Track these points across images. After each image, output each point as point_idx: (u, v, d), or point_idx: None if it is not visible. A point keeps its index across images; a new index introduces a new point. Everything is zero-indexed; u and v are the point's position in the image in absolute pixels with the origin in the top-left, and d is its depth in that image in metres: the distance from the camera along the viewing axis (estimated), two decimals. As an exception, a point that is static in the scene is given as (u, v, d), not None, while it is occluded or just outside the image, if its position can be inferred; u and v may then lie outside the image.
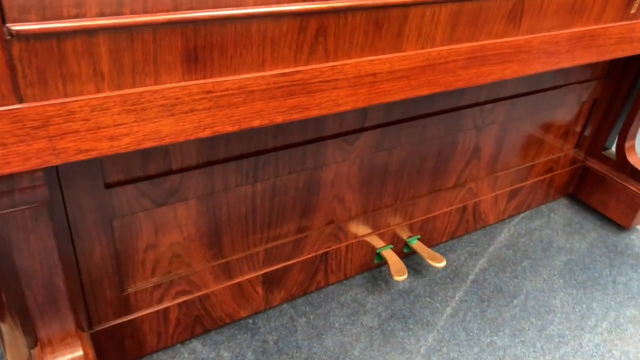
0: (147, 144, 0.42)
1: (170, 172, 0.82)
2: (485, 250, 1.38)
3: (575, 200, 1.61)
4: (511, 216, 1.50)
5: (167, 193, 0.83)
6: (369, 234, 1.18)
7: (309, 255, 1.10)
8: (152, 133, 0.42)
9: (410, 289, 1.24)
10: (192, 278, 0.96)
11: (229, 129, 0.45)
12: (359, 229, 1.15)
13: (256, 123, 0.47)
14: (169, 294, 0.95)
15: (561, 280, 1.31)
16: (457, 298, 1.23)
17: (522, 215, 1.52)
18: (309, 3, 0.44)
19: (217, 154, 0.85)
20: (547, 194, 1.53)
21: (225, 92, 0.44)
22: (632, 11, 0.71)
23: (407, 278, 1.25)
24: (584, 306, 1.24)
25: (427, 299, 1.22)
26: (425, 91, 0.56)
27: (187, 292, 0.97)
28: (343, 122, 0.97)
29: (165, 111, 0.42)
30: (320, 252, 1.11)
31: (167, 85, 0.41)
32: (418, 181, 1.19)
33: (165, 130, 0.42)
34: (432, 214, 1.27)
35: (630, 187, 1.43)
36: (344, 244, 1.14)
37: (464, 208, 1.33)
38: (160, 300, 0.94)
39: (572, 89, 1.31)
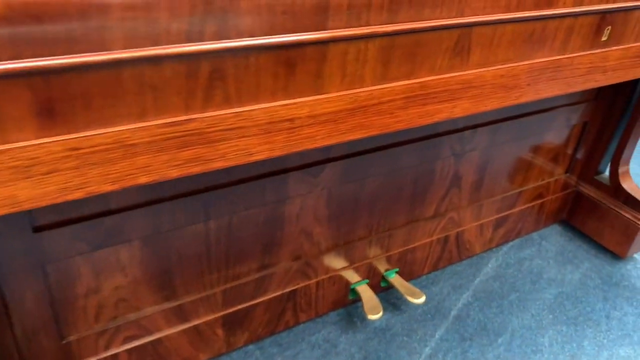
0: (1, 212, 0.36)
1: (108, 213, 0.75)
2: (470, 283, 1.30)
3: (569, 227, 1.52)
4: (499, 245, 1.42)
5: (105, 235, 0.77)
6: (342, 269, 1.10)
7: (275, 294, 1.03)
8: (5, 199, 0.35)
9: (387, 326, 1.16)
10: (142, 322, 0.89)
11: (108, 188, 0.39)
12: (331, 264, 1.08)
13: (143, 180, 0.40)
14: (116, 339, 0.88)
15: (550, 316, 1.22)
16: (437, 337, 1.15)
17: (511, 243, 1.44)
18: (195, 45, 0.38)
19: (162, 192, 0.79)
20: (538, 221, 1.45)
21: (96, 148, 0.37)
22: (604, 38, 0.64)
23: (384, 315, 1.18)
24: (575, 345, 1.16)
25: (405, 337, 1.14)
26: (357, 135, 0.50)
27: (137, 337, 0.90)
28: (305, 154, 0.90)
29: (20, 173, 0.35)
30: (288, 290, 1.04)
31: (18, 144, 0.35)
32: (394, 212, 1.11)
33: (22, 194, 0.36)
34: (411, 246, 1.19)
35: (625, 214, 1.35)
36: (314, 280, 1.07)
37: (446, 238, 1.25)
38: (107, 347, 0.88)
39: (560, 112, 1.24)
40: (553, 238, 1.48)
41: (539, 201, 1.40)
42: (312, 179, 0.93)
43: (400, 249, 1.18)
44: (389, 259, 1.17)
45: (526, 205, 1.37)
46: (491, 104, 0.58)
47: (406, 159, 1.04)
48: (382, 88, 0.49)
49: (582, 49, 0.63)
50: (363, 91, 0.48)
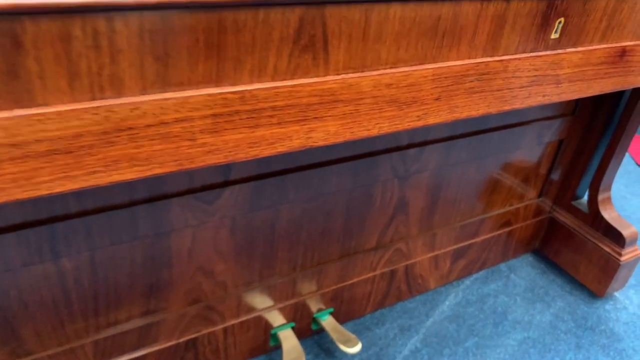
0: None
1: None
2: (421, 324, 1.10)
3: (542, 257, 1.33)
4: (460, 278, 1.22)
5: None
6: (259, 312, 0.91)
7: (168, 344, 0.83)
8: None
9: (314, 378, 0.96)
10: (-22, 384, 0.69)
11: None
12: (243, 307, 0.89)
13: None
14: (-58, 407, 0.68)
15: (512, 368, 1.03)
16: (373, 393, 0.95)
17: (475, 276, 1.25)
18: None
19: (-19, 225, 0.59)
20: (506, 251, 1.25)
21: None
22: (554, 35, 0.45)
23: (311, 365, 0.98)
24: (538, 406, 0.96)
25: (334, 393, 0.94)
26: (126, 175, 0.31)
27: (-27, 402, 0.70)
28: (194, 175, 0.71)
29: None
30: (185, 338, 0.85)
31: None
32: (324, 244, 0.92)
33: None
34: (349, 282, 1.00)
35: (604, 247, 1.15)
36: (221, 326, 0.88)
37: (392, 273, 1.06)
38: None
39: (531, 128, 1.05)
40: (523, 270, 1.29)
41: (507, 229, 1.20)
42: (206, 207, 0.74)
43: (335, 287, 0.99)
44: (320, 298, 0.98)
45: (491, 234, 1.18)
46: (376, 126, 0.39)
47: (335, 182, 0.85)
48: (164, 99, 0.30)
49: (521, 49, 0.44)
50: (121, 103, 0.29)
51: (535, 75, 0.46)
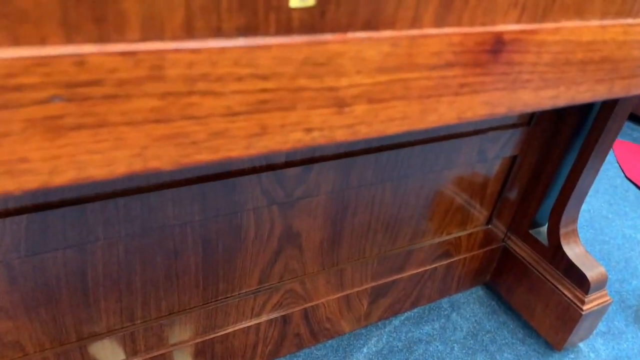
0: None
1: None
2: (324, 380, 0.85)
3: (494, 293, 1.07)
4: (387, 318, 0.97)
5: None
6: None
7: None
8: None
9: None
10: None
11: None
12: (54, 370, 0.64)
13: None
14: None
15: None
16: None
17: (407, 314, 0.99)
18: None
19: None
20: (445, 286, 0.99)
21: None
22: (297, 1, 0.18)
23: None
24: None
25: None
26: None
27: None
28: None
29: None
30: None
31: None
32: (173, 289, 0.67)
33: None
34: (220, 333, 0.75)
35: (564, 291, 0.89)
36: (22, 395, 0.63)
37: (285, 318, 0.81)
38: None
39: (468, 142, 0.78)
40: (468, 308, 1.02)
41: (445, 261, 0.94)
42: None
43: (199, 339, 0.74)
44: (180, 354, 0.73)
45: (423, 268, 0.92)
46: None
47: (172, 212, 0.59)
48: None
49: (210, 27, 0.17)
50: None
51: (264, 90, 0.19)
